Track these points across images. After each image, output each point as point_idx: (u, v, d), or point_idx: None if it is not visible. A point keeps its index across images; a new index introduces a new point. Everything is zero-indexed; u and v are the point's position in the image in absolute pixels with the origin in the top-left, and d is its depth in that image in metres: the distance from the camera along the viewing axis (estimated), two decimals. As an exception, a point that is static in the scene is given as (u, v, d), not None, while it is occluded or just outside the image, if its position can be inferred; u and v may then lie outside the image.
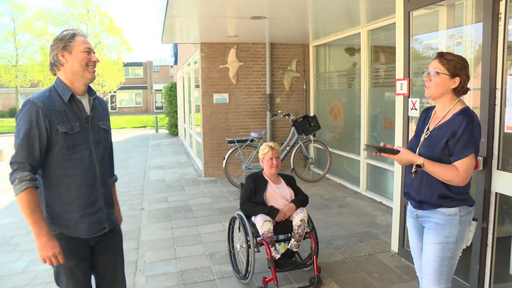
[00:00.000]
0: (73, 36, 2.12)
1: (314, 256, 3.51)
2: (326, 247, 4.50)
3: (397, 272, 3.84)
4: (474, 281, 3.16)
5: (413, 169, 2.37)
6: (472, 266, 3.17)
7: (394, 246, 4.26)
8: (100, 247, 2.31)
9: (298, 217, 3.56)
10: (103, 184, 2.25)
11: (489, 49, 2.95)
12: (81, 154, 2.12)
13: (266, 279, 3.41)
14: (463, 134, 2.19)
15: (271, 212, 3.55)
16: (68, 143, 2.07)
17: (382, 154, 2.39)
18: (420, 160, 2.27)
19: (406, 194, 2.55)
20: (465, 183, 2.24)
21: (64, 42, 2.10)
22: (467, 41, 3.71)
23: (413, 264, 2.71)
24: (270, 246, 3.43)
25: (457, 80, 2.27)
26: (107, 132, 2.35)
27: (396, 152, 2.35)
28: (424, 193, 2.37)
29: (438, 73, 2.28)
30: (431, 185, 2.33)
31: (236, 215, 3.79)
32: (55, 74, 2.16)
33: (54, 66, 2.13)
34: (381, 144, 2.44)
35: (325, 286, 3.59)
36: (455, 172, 2.20)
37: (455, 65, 2.25)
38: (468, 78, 2.30)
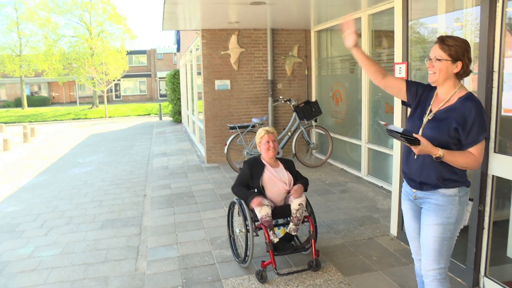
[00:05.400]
0: None
1: (313, 240, 3.55)
2: (327, 231, 4.54)
3: (396, 256, 3.88)
4: (471, 263, 3.19)
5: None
6: (469, 248, 3.19)
7: (393, 230, 4.30)
8: None
9: (296, 201, 3.59)
10: None
11: (487, 31, 2.93)
12: None
13: (265, 263, 3.46)
14: (476, 121, 2.21)
15: (252, 195, 3.56)
16: None
17: (406, 143, 2.28)
18: (440, 152, 2.24)
19: (404, 174, 2.54)
20: (479, 166, 2.30)
21: None
22: (467, 24, 3.67)
23: (412, 247, 2.72)
24: (268, 230, 3.46)
25: (459, 64, 2.26)
26: None
27: (417, 142, 2.22)
28: (426, 175, 2.38)
29: (439, 59, 2.27)
30: (433, 166, 2.34)
31: (235, 200, 3.82)
32: None
33: None
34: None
35: (323, 270, 3.63)
36: (473, 158, 2.24)
37: (457, 50, 2.24)
38: (470, 61, 2.29)
